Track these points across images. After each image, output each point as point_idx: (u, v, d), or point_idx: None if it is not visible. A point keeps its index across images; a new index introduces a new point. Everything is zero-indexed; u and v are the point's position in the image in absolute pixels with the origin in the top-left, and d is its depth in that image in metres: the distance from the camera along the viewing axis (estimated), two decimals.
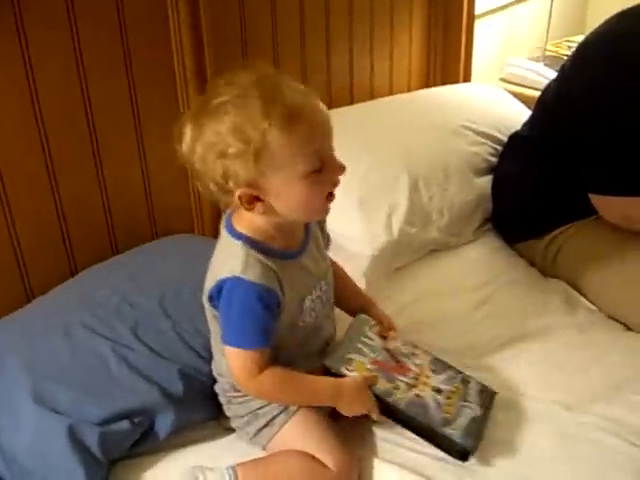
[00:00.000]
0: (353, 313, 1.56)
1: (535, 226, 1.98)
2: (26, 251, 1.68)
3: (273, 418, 1.37)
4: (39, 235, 1.70)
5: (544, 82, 2.19)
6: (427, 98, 2.40)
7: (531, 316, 1.79)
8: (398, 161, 2.02)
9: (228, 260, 1.29)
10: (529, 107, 2.28)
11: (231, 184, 1.23)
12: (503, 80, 2.90)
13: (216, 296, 1.30)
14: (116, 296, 1.59)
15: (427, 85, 2.65)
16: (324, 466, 1.32)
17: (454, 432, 1.35)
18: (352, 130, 2.10)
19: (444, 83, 2.62)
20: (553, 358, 1.66)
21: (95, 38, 1.67)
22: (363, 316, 1.54)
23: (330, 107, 2.22)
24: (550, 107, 1.94)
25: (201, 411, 1.48)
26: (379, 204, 1.92)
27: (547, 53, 2.98)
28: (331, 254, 1.74)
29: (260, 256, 1.28)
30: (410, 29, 2.56)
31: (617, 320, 1.81)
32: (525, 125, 2.08)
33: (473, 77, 2.76)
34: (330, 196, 1.29)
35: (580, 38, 2.02)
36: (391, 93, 2.53)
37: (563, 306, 1.85)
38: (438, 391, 1.43)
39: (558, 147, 1.87)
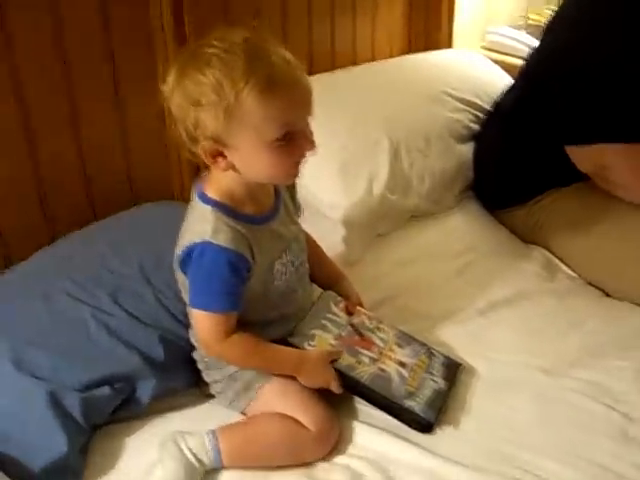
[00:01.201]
0: (324, 285, 1.59)
1: (516, 193, 1.99)
2: (3, 217, 1.67)
3: (251, 382, 1.39)
4: (16, 200, 1.68)
5: (526, 50, 2.19)
6: (408, 64, 2.38)
7: (511, 282, 1.81)
8: (379, 127, 2.01)
9: (198, 225, 1.31)
10: (511, 75, 2.27)
11: (199, 134, 1.25)
12: (485, 48, 2.88)
13: (186, 261, 1.32)
14: (96, 262, 1.58)
15: (409, 52, 2.63)
16: (304, 427, 1.33)
17: (416, 405, 1.38)
18: (333, 96, 2.08)
19: (426, 50, 2.60)
20: (532, 324, 1.67)
21: None
22: (329, 292, 1.55)
23: (311, 73, 2.23)
24: (532, 70, 1.95)
25: (182, 377, 1.48)
26: (360, 170, 1.92)
27: (529, 22, 2.97)
28: (312, 221, 1.76)
29: (230, 221, 1.30)
30: None
31: (596, 286, 1.83)
32: (508, 92, 2.08)
33: (455, 45, 2.75)
34: (295, 166, 1.30)
35: None
36: (373, 59, 2.51)
37: (543, 272, 1.86)
38: (402, 365, 1.46)
39: (539, 110, 1.87)
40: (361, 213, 1.86)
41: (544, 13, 2.98)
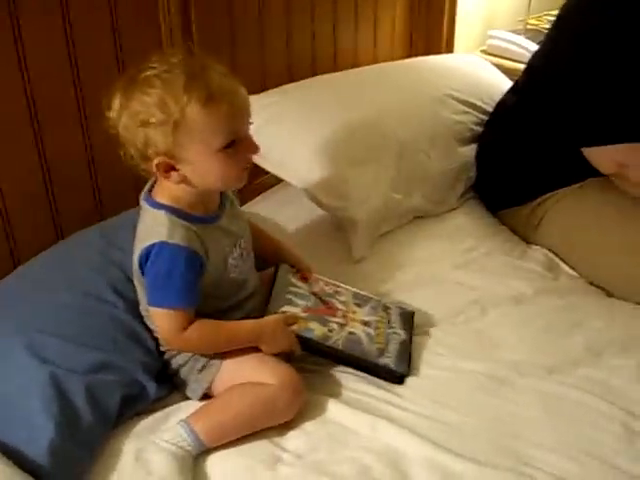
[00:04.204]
0: (272, 260, 1.66)
1: (519, 194, 2.00)
2: (11, 212, 1.67)
3: (211, 358, 1.44)
4: (24, 194, 1.69)
5: (526, 54, 2.21)
6: (412, 67, 2.40)
7: (513, 281, 1.82)
8: (383, 128, 2.02)
9: (153, 228, 1.38)
10: (511, 79, 2.29)
11: (150, 152, 1.32)
12: (485, 52, 2.90)
13: (144, 262, 1.38)
14: (96, 254, 1.59)
15: (410, 55, 2.65)
16: (266, 383, 1.39)
17: (389, 361, 1.50)
18: (337, 98, 2.11)
19: (426, 54, 2.63)
20: (535, 323, 1.68)
21: None
22: (284, 265, 1.63)
23: (314, 74, 2.26)
24: (537, 70, 1.96)
25: None
26: (364, 170, 1.92)
27: (528, 26, 2.99)
28: (315, 219, 1.79)
29: (182, 222, 1.37)
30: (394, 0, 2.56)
31: (598, 286, 1.84)
32: (511, 93, 2.10)
33: (455, 49, 2.78)
34: (244, 170, 1.39)
35: None
36: (374, 61, 2.53)
37: (545, 272, 1.87)
38: (366, 324, 1.57)
39: (546, 111, 1.88)
40: (366, 212, 1.87)
41: (543, 18, 3.01)
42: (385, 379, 1.49)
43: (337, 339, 1.50)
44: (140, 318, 1.49)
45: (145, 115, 1.28)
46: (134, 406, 1.41)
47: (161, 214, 1.37)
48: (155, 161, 1.33)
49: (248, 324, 1.45)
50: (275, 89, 2.14)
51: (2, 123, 1.59)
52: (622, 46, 1.71)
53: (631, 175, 1.81)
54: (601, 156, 1.83)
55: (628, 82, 1.73)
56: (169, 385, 1.48)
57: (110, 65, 1.76)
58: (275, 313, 1.49)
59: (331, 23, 2.36)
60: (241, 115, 1.35)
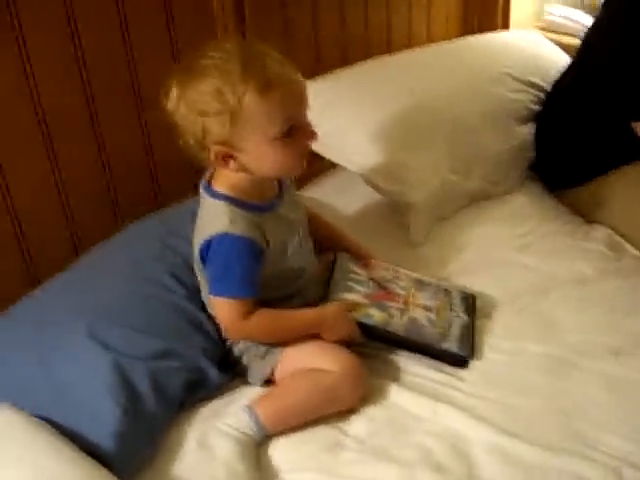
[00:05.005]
0: (331, 248, 1.66)
1: (580, 172, 1.96)
2: (72, 200, 1.71)
3: (272, 345, 1.45)
4: (85, 185, 1.72)
5: (582, 29, 2.16)
6: (467, 46, 2.36)
7: (576, 262, 1.79)
8: (439, 110, 2.00)
9: (214, 219, 1.39)
10: (569, 55, 2.24)
11: (208, 141, 1.33)
12: (541, 28, 2.85)
13: (206, 253, 1.39)
14: (155, 242, 1.61)
15: (465, 34, 2.61)
16: (329, 371, 1.39)
17: (451, 345, 1.50)
18: (391, 81, 2.10)
19: (482, 32, 2.58)
20: (598, 304, 1.65)
21: None
22: (341, 253, 1.64)
23: (368, 56, 2.24)
24: (592, 46, 1.93)
25: None
26: (421, 153, 1.91)
27: (585, 1, 2.93)
28: (373, 203, 1.77)
29: (242, 211, 1.38)
30: None
31: None
32: (567, 71, 2.05)
33: (511, 26, 2.73)
34: (302, 157, 1.39)
35: None
36: (429, 42, 2.50)
37: (607, 252, 1.83)
38: (427, 309, 1.57)
39: (599, 88, 1.85)
40: (424, 195, 1.86)
41: None
42: (448, 363, 1.49)
43: (398, 325, 1.50)
44: (201, 305, 1.50)
45: (202, 105, 1.30)
46: (197, 392, 1.42)
47: (221, 204, 1.38)
48: (213, 150, 1.34)
49: (309, 313, 1.45)
50: (329, 74, 2.13)
51: (60, 115, 1.62)
52: None
53: None
54: None
55: None
56: (231, 372, 1.49)
57: (165, 54, 1.78)
58: (335, 301, 1.49)
59: (384, 5, 2.34)
60: (298, 102, 1.35)
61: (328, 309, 1.46)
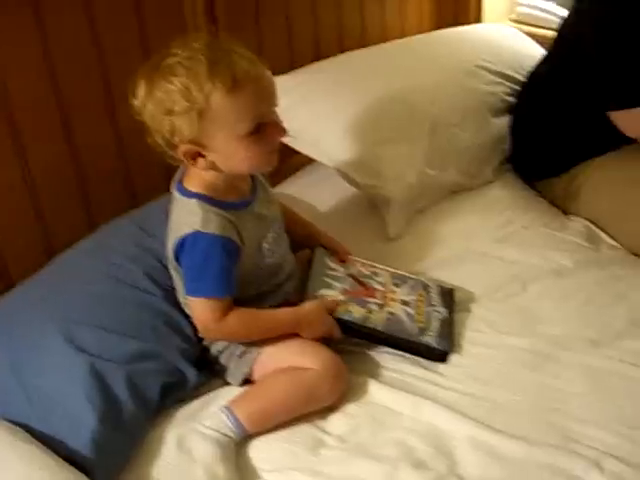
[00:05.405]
0: (307, 244, 1.66)
1: (555, 164, 1.97)
2: (44, 202, 1.67)
3: (250, 343, 1.44)
4: (56, 185, 1.68)
5: (556, 21, 2.16)
6: (441, 39, 2.36)
7: (552, 254, 1.78)
8: (414, 103, 1.99)
9: (187, 218, 1.38)
10: (543, 47, 2.25)
11: (176, 140, 1.32)
12: (514, 21, 2.85)
13: (179, 252, 1.38)
14: (129, 242, 1.59)
15: (439, 27, 2.60)
16: (309, 369, 1.38)
17: (431, 339, 1.49)
18: (366, 75, 2.08)
19: (455, 25, 2.58)
20: (577, 296, 1.65)
21: None
22: (318, 249, 1.63)
23: (342, 51, 2.23)
24: (566, 37, 1.92)
25: None
26: (397, 147, 1.90)
27: None
28: (349, 198, 1.75)
29: (215, 209, 1.37)
30: None
31: None
32: (542, 62, 2.05)
33: (484, 19, 2.73)
34: (271, 154, 1.38)
35: None
36: (403, 36, 2.49)
37: (585, 243, 1.84)
38: (406, 303, 1.56)
39: (576, 78, 1.85)
40: (401, 189, 1.85)
41: None
42: (428, 358, 1.49)
43: (377, 320, 1.49)
44: (177, 305, 1.48)
45: (169, 103, 1.28)
46: (175, 394, 1.41)
47: (193, 202, 1.37)
48: (182, 148, 1.33)
49: (286, 313, 1.44)
50: (303, 68, 2.12)
51: (30, 110, 1.59)
52: None
53: None
54: (626, 119, 1.80)
55: None
56: (209, 372, 1.47)
57: (135, 50, 1.75)
58: (314, 297, 1.48)
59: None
60: (266, 99, 1.33)
61: (306, 308, 1.45)
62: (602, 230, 1.88)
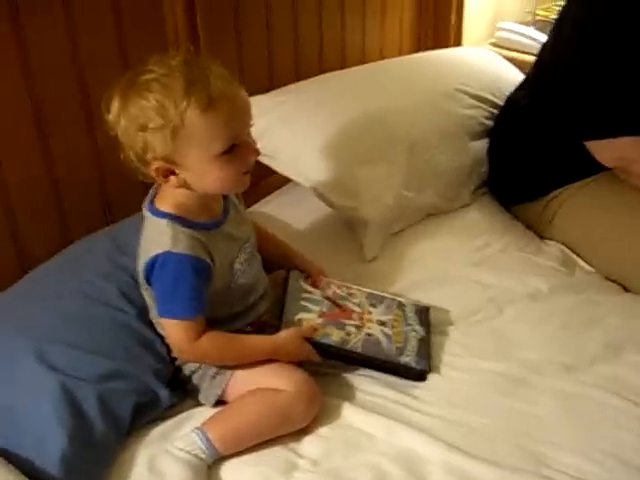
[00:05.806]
0: (281, 265, 1.66)
1: (532, 189, 1.97)
2: (19, 217, 1.65)
3: (222, 365, 1.42)
4: (31, 199, 1.66)
5: (535, 46, 2.19)
6: (420, 62, 2.37)
7: (528, 278, 1.79)
8: (393, 125, 1.99)
9: (157, 238, 1.36)
10: (522, 71, 2.26)
11: (149, 157, 1.31)
12: (494, 45, 2.88)
13: (150, 273, 1.37)
14: (103, 259, 1.57)
15: (418, 50, 2.63)
16: (282, 390, 1.37)
17: (409, 359, 1.49)
18: (345, 96, 2.08)
19: (435, 48, 2.60)
20: (552, 320, 1.66)
21: None
22: (295, 271, 1.63)
23: (321, 72, 2.24)
24: (544, 63, 1.94)
25: None
26: (375, 168, 1.90)
27: (537, 17, 2.96)
28: (326, 219, 1.75)
29: (185, 230, 1.35)
30: None
31: (614, 281, 1.81)
32: (520, 87, 2.07)
33: (463, 43, 2.75)
34: (244, 174, 1.37)
35: None
36: (382, 58, 2.50)
37: (560, 268, 1.84)
38: (383, 324, 1.56)
39: (553, 104, 1.86)
40: (378, 211, 1.85)
41: (552, 9, 2.98)
42: (407, 378, 1.48)
43: (355, 342, 1.49)
44: (151, 324, 1.47)
45: (143, 120, 1.27)
46: (147, 414, 1.39)
47: (163, 223, 1.36)
48: (154, 165, 1.32)
49: (264, 343, 1.43)
50: (282, 88, 2.12)
51: (6, 124, 1.57)
52: (624, 36, 1.68)
53: (634, 169, 1.79)
54: (604, 149, 1.80)
55: (629, 74, 1.70)
56: (182, 392, 1.46)
57: (114, 64, 1.74)
58: (291, 323, 1.47)
59: (338, 20, 2.34)
60: (241, 120, 1.33)
61: (282, 337, 1.43)
62: (577, 255, 1.89)
